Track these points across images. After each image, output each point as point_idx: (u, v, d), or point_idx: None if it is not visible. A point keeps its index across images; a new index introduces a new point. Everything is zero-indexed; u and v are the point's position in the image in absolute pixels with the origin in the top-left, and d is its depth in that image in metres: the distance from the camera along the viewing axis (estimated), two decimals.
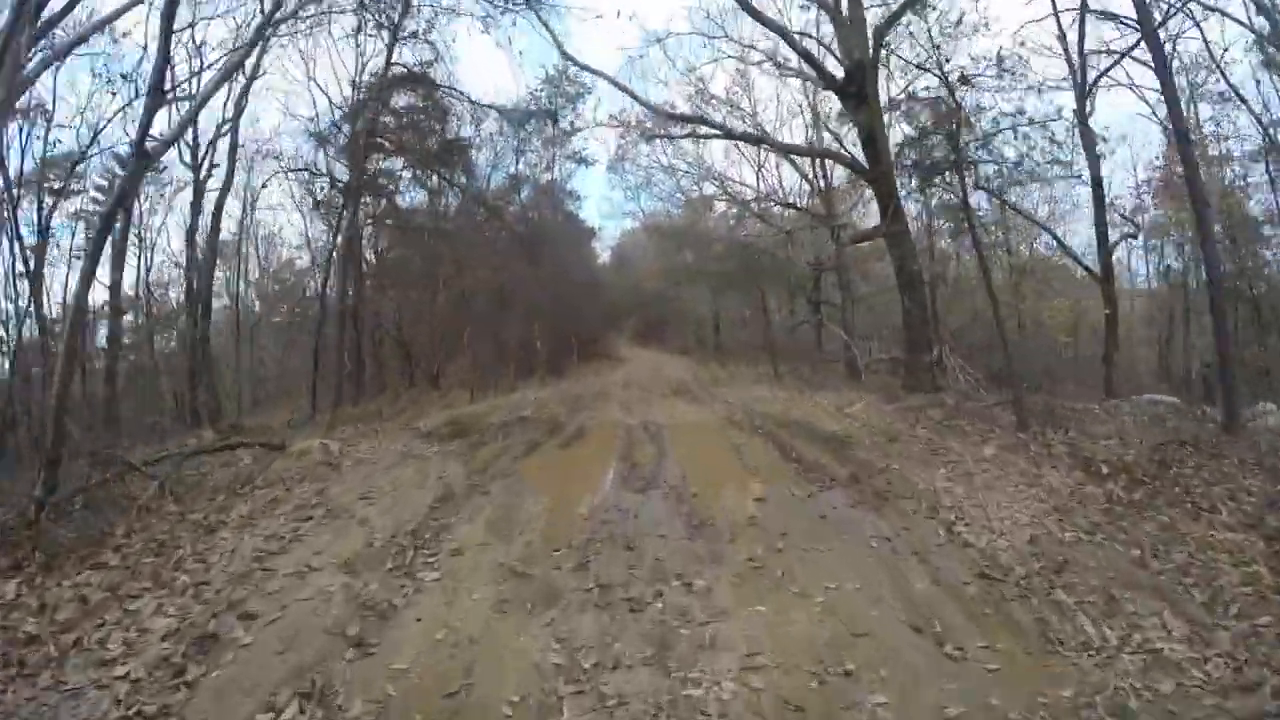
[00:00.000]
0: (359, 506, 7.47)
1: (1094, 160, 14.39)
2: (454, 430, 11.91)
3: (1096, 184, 14.28)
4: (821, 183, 20.66)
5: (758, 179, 22.92)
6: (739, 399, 14.24)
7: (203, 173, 20.62)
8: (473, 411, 13.96)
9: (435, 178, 21.93)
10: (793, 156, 21.19)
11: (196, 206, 20.43)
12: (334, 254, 15.61)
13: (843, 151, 15.03)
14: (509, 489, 7.92)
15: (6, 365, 18.12)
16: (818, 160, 20.81)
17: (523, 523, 6.64)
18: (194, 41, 19.33)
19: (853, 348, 18.04)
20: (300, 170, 16.38)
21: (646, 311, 34.66)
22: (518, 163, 21.33)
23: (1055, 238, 16.91)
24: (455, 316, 20.51)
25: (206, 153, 20.62)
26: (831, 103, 17.10)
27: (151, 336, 25.44)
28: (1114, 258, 29.03)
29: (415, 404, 17.94)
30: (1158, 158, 22.37)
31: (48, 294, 22.46)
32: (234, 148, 15.73)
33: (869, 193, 20.16)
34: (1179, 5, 11.59)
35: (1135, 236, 16.97)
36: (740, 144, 23.31)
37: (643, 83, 17.98)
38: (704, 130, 15.92)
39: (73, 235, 24.51)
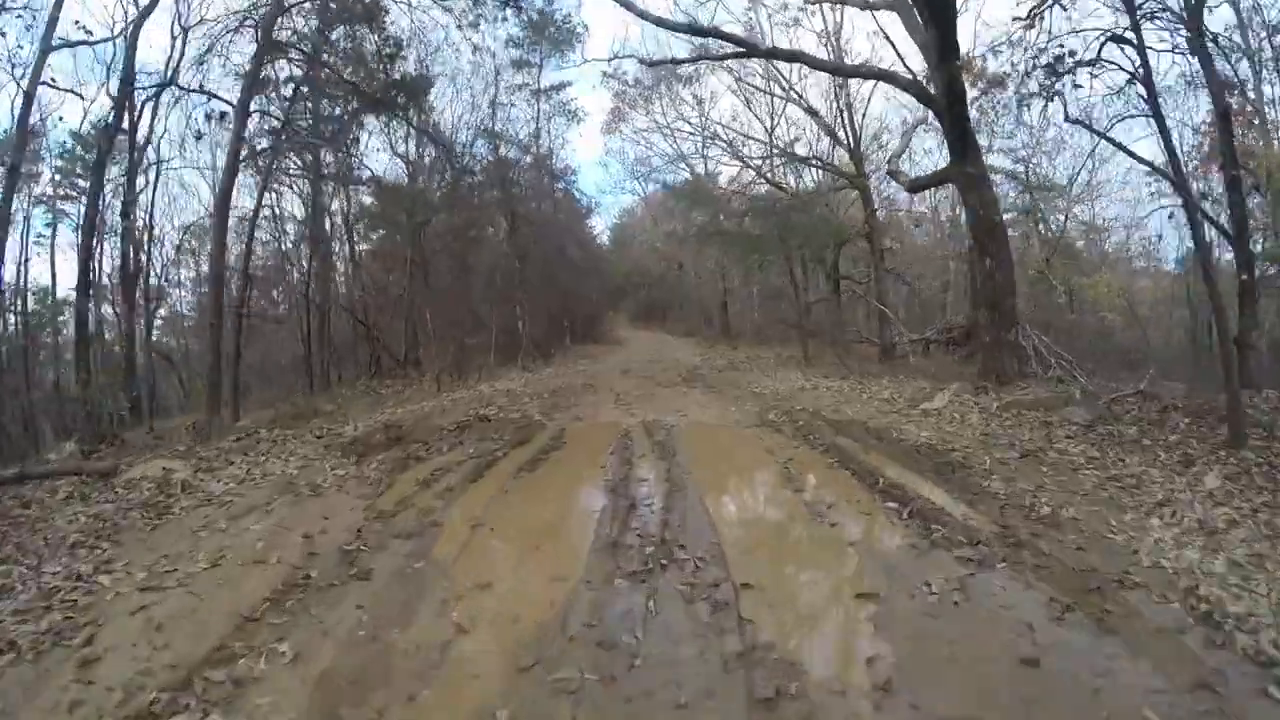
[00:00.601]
0: (120, 613, 3.82)
1: (1218, 86, 10.51)
2: (388, 437, 8.24)
3: (1224, 116, 10.40)
4: (849, 137, 16.77)
5: (770, 137, 18.99)
6: (768, 389, 10.56)
7: (140, 136, 16.82)
8: (425, 409, 10.26)
9: (410, 142, 18.17)
10: (816, 111, 17.29)
11: (131, 177, 16.64)
12: (255, 213, 12.01)
13: (899, 73, 11.14)
14: (408, 567, 4.23)
15: None
16: (843, 112, 16.93)
17: (390, 684, 2.95)
18: None
19: (897, 326, 14.32)
20: (169, 85, 12.34)
21: (648, 291, 30.98)
22: (494, 116, 17.38)
23: (1176, 183, 12.69)
24: (428, 295, 16.74)
25: (140, 112, 16.84)
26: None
27: (129, 325, 21.82)
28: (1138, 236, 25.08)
29: (369, 395, 14.26)
30: (1206, 119, 18.40)
31: None
32: (125, 89, 11.67)
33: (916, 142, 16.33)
34: None
35: (1259, 189, 13.08)
36: (751, 104, 19.52)
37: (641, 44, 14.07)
38: (718, 49, 12.07)
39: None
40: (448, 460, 6.97)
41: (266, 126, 12.92)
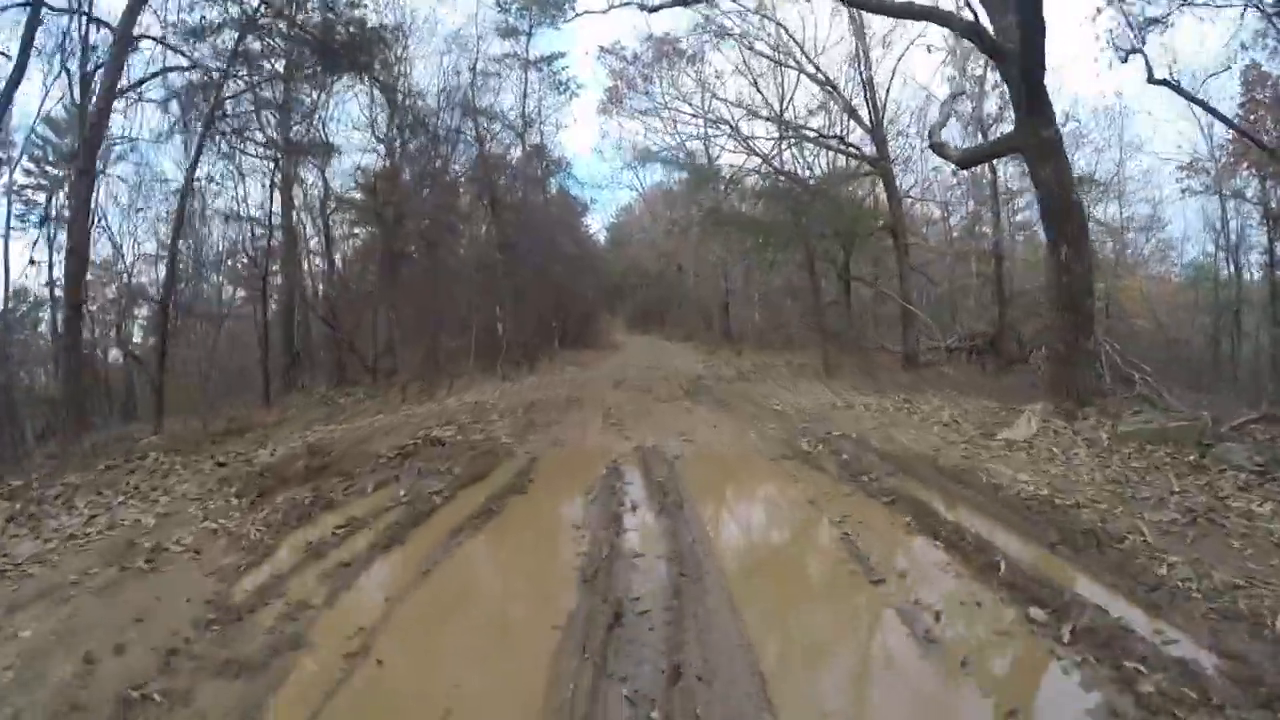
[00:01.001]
0: None
1: None
2: (307, 467, 6.32)
3: None
4: (871, 115, 14.86)
5: (781, 120, 17.04)
6: (790, 405, 8.61)
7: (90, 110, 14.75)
8: (371, 427, 8.28)
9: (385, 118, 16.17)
10: (833, 81, 15.39)
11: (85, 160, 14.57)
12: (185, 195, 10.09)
13: (954, 14, 9.19)
14: None
15: None
16: (865, 89, 15.04)
17: None
18: None
19: (933, 331, 12.47)
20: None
21: (645, 293, 29.01)
22: (474, 84, 15.32)
23: None
24: (397, 292, 14.79)
25: (90, 81, 14.77)
26: None
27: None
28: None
29: (326, 406, 12.29)
30: (1241, 106, 16.45)
31: None
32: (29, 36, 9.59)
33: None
34: None
35: None
36: (759, 84, 17.56)
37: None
38: None
39: None
40: (368, 507, 5.03)
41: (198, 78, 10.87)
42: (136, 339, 21.58)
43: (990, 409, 7.45)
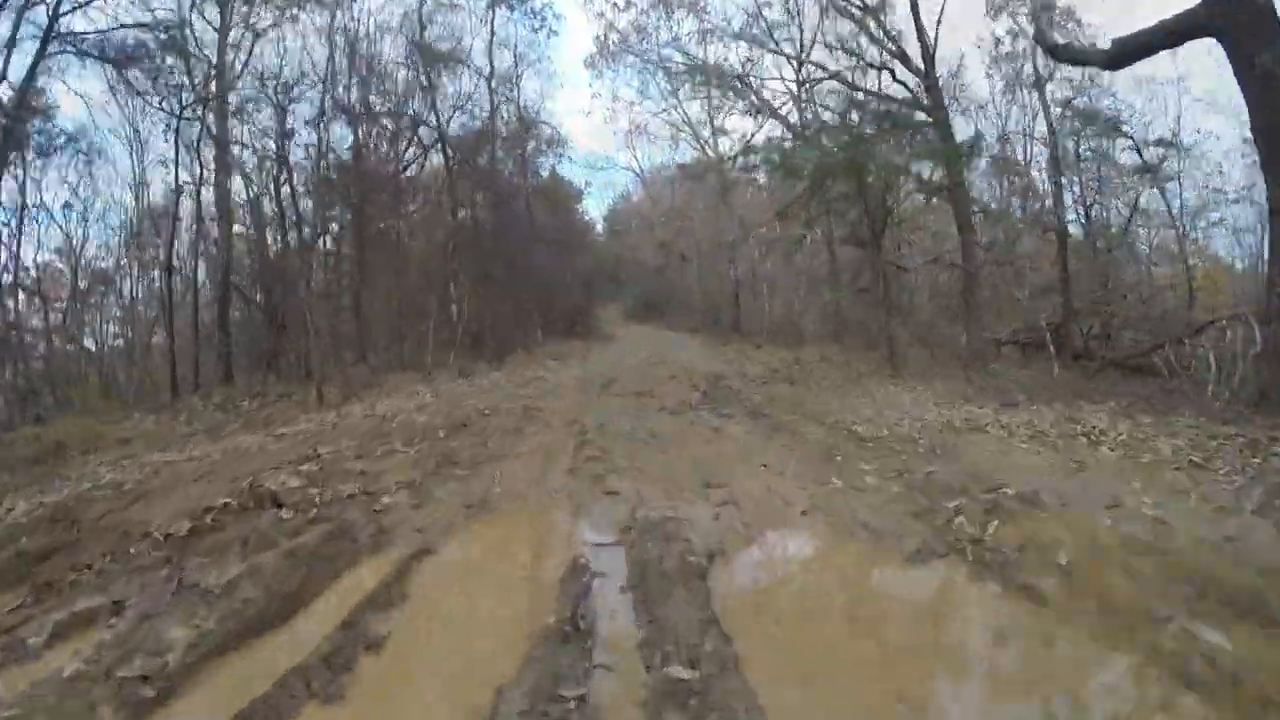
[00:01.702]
0: None
1: None
2: (20, 556, 3.20)
3: None
4: (923, 52, 11.58)
5: (801, 50, 13.90)
6: (879, 423, 5.44)
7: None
8: (199, 463, 5.10)
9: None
10: (874, 8, 12.17)
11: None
12: None
13: None
14: None
15: None
16: (915, 12, 11.74)
17: None
18: None
19: (1029, 317, 9.41)
20: None
21: (644, 283, 25.93)
22: (422, 8, 12.02)
23: None
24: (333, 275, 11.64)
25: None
26: None
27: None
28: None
29: (225, 411, 9.17)
30: None
31: None
32: None
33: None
34: None
35: None
36: (774, 32, 14.44)
37: None
38: None
39: None
40: None
41: None
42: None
43: (1218, 433, 4.28)
